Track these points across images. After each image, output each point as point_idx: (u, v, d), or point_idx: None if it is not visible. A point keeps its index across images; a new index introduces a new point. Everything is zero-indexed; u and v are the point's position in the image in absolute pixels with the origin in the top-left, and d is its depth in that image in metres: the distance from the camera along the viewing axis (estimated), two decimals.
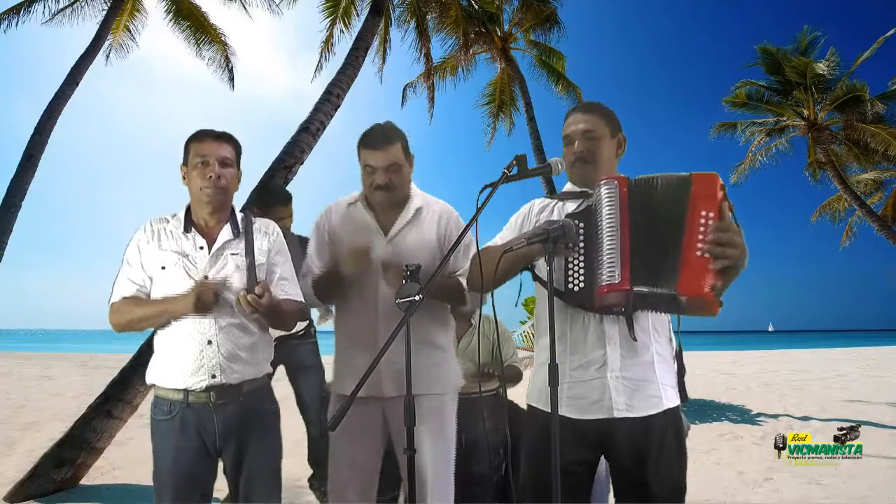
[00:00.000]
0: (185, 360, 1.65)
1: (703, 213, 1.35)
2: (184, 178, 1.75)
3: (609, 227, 1.42)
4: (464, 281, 1.86)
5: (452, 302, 1.99)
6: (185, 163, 1.74)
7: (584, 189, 1.63)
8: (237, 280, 1.70)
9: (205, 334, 1.65)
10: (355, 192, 2.01)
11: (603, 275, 1.41)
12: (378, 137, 1.87)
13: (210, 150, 1.71)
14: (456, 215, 2.03)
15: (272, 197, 3.36)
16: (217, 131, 1.76)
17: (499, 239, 1.73)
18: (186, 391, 1.65)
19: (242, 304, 1.60)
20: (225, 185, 1.72)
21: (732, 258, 1.33)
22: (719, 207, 1.35)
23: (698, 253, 1.34)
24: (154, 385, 1.72)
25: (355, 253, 1.81)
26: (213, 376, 1.65)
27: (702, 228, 1.35)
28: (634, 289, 1.39)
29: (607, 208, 1.43)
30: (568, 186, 1.70)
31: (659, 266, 1.38)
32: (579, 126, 1.62)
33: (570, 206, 1.63)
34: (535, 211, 1.70)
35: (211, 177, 1.69)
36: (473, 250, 1.89)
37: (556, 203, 1.68)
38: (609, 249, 1.41)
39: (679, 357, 1.65)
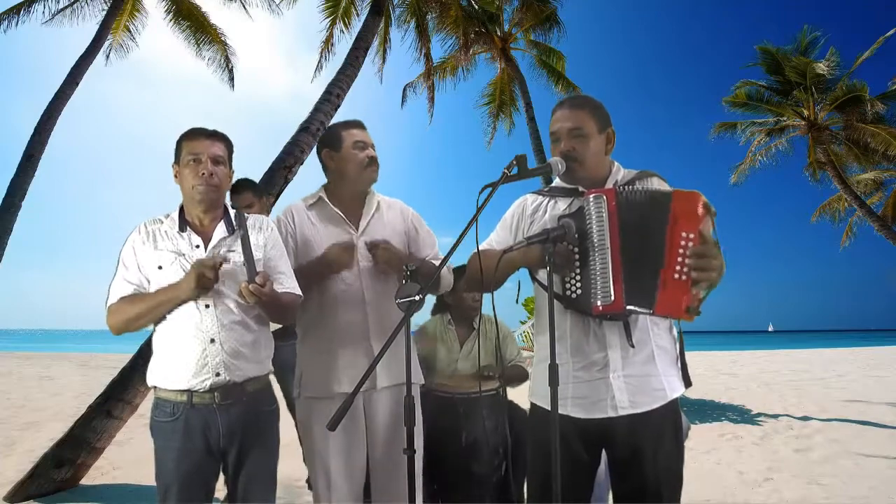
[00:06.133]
0: (187, 359, 1.63)
1: (684, 234, 1.36)
2: (176, 176, 1.74)
3: (600, 245, 1.44)
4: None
5: (429, 290, 2.01)
6: (177, 161, 1.74)
7: (574, 186, 1.63)
8: (235, 276, 1.68)
9: (207, 332, 1.64)
10: (310, 195, 2.03)
11: (598, 293, 1.43)
12: (359, 121, 2.02)
13: (202, 147, 1.70)
14: (412, 209, 2.13)
15: (240, 185, 3.21)
16: (209, 130, 1.75)
17: (493, 237, 1.74)
18: (190, 392, 1.63)
19: (245, 294, 1.59)
20: (217, 183, 1.71)
21: (711, 281, 1.35)
22: (700, 228, 1.35)
23: (676, 276, 1.35)
24: (155, 387, 1.70)
25: (340, 251, 1.85)
26: (218, 374, 1.63)
27: (681, 250, 1.35)
28: (628, 307, 1.42)
29: (597, 225, 1.45)
30: (558, 181, 1.68)
31: (640, 283, 1.40)
32: (565, 124, 1.58)
33: (562, 205, 1.63)
34: (528, 211, 1.70)
35: (203, 174, 1.68)
36: (435, 238, 2.08)
37: (548, 200, 1.67)
38: (601, 269, 1.43)
39: (679, 347, 1.65)
